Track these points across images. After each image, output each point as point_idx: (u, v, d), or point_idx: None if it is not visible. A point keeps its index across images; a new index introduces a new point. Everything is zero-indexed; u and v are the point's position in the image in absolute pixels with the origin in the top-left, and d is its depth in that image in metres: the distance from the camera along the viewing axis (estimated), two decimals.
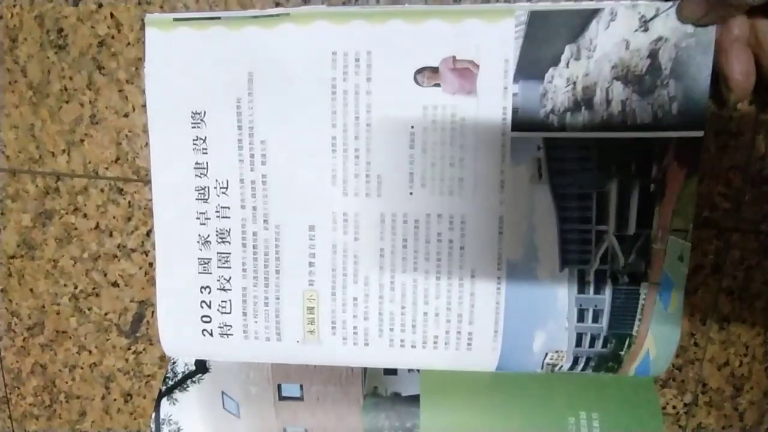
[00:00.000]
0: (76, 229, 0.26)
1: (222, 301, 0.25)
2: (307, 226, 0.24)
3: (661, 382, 0.25)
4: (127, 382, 0.28)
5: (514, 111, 0.23)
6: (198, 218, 0.25)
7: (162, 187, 0.25)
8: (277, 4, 0.24)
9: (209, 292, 0.25)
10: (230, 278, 0.25)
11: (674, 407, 0.25)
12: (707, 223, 0.24)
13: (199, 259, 0.25)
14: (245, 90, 0.24)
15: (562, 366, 0.24)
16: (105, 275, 0.27)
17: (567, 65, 0.22)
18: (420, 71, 0.23)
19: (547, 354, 0.24)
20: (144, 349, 0.27)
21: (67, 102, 0.25)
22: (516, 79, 0.22)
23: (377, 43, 0.23)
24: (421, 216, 0.23)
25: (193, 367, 0.26)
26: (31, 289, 0.27)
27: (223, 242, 0.25)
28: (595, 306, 0.23)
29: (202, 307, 0.25)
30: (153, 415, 0.25)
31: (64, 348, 0.27)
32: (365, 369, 0.25)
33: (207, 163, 0.24)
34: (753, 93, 0.20)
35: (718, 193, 0.23)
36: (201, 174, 0.24)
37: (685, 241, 0.23)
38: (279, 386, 0.25)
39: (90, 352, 0.27)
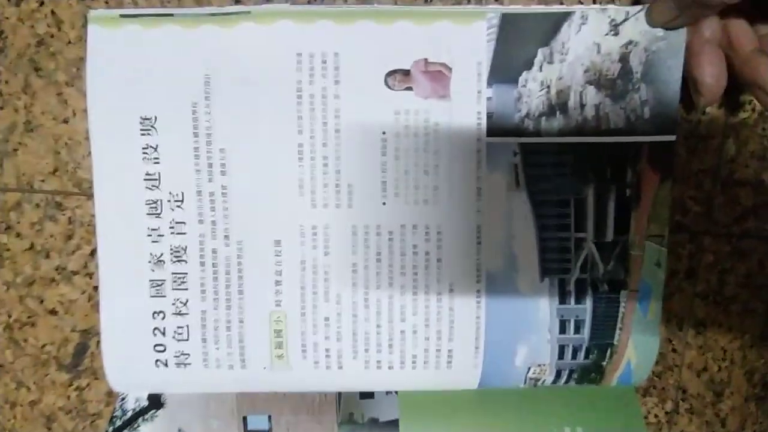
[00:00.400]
0: (8, 250, 0.23)
1: (178, 327, 0.22)
2: (272, 241, 0.22)
3: (642, 391, 0.24)
4: (71, 422, 0.24)
5: (489, 116, 0.22)
6: (150, 235, 0.22)
7: (106, 201, 0.22)
8: (237, 2, 0.22)
9: (163, 318, 0.22)
10: (187, 301, 0.22)
11: (656, 416, 0.24)
12: (680, 228, 0.24)
13: (151, 281, 0.22)
14: (201, 93, 0.22)
15: (545, 380, 0.23)
16: (41, 302, 0.24)
17: (540, 69, 0.22)
18: (391, 74, 0.22)
19: (530, 368, 0.23)
20: (88, 385, 0.24)
21: (1, 108, 0.22)
22: (490, 83, 0.22)
23: (345, 44, 0.22)
24: (396, 227, 0.22)
25: (146, 403, 0.23)
26: None
27: (179, 261, 0.22)
28: (577, 316, 0.23)
29: (155, 334, 0.22)
30: None
31: (3, 383, 0.24)
32: (339, 394, 0.24)
33: (159, 173, 0.22)
34: (723, 95, 0.20)
35: (689, 197, 0.23)
36: (152, 186, 0.22)
37: (661, 247, 0.22)
38: (245, 419, 0.23)
39: (28, 388, 0.24)
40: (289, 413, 0.23)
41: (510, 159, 0.22)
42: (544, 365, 0.23)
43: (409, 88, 0.22)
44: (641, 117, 0.22)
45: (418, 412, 0.23)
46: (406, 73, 0.22)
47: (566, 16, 0.21)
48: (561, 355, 0.23)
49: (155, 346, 0.22)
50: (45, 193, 0.23)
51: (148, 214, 0.22)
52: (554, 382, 0.23)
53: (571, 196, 0.22)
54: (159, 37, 0.22)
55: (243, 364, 0.23)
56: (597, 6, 0.22)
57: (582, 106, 0.22)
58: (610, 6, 0.21)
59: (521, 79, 0.22)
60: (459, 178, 0.22)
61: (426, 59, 0.22)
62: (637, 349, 0.23)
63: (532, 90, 0.22)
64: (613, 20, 0.21)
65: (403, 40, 0.21)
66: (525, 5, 0.22)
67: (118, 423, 0.23)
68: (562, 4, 0.22)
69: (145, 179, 0.22)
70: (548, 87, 0.22)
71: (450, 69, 0.22)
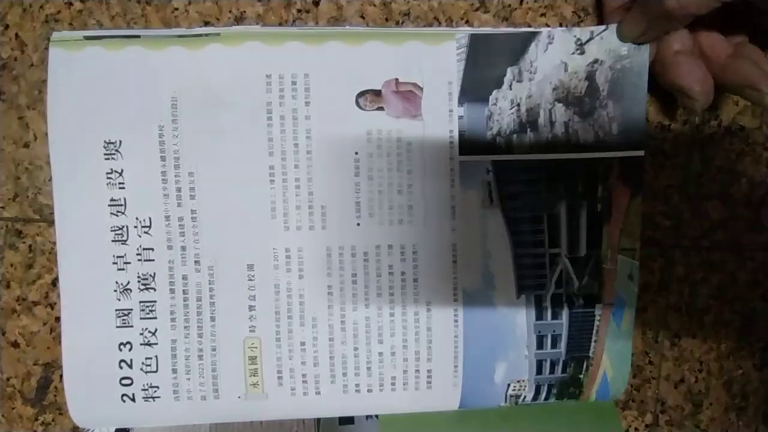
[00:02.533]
0: None
1: (146, 359, 0.22)
2: (245, 266, 0.22)
3: (622, 404, 0.24)
4: None
5: (461, 134, 0.22)
6: (115, 263, 0.21)
7: (68, 228, 0.21)
8: (206, 24, 0.22)
9: (130, 349, 0.21)
10: (156, 330, 0.22)
11: (636, 429, 0.25)
12: (650, 242, 0.24)
13: (117, 310, 0.21)
14: (168, 116, 0.21)
15: (525, 396, 0.23)
16: (3, 334, 0.22)
17: (510, 87, 0.22)
18: (362, 94, 0.22)
19: (509, 385, 0.23)
20: (53, 420, 0.23)
21: None
22: (461, 102, 0.22)
23: (315, 65, 0.21)
24: (371, 248, 0.22)
25: None
26: None
27: (147, 289, 0.21)
28: (553, 331, 0.23)
29: (121, 367, 0.21)
30: None
31: None
32: (318, 420, 0.23)
33: (124, 199, 0.21)
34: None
35: (658, 212, 0.24)
36: (117, 212, 0.21)
37: (633, 260, 0.23)
38: None
39: None
40: None
41: (483, 177, 0.22)
42: (523, 381, 0.23)
43: (381, 108, 0.22)
44: (610, 133, 0.22)
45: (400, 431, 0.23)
46: (377, 93, 0.22)
47: (533, 36, 0.22)
48: (539, 370, 0.23)
49: (121, 379, 0.21)
50: (4, 220, 0.22)
51: (113, 240, 0.21)
52: (534, 398, 0.23)
53: (544, 212, 0.22)
54: (124, 59, 0.21)
55: (216, 395, 0.22)
56: (563, 27, 0.22)
57: (552, 123, 0.22)
58: (575, 28, 0.22)
59: (492, 98, 0.22)
60: (433, 197, 0.22)
61: (397, 79, 0.22)
62: (612, 360, 0.23)
63: (503, 108, 0.22)
64: (578, 39, 0.21)
65: (373, 60, 0.21)
66: (494, 27, 0.23)
67: None
68: (529, 26, 0.23)
69: (109, 205, 0.21)
70: (518, 105, 0.22)
71: (421, 88, 0.22)
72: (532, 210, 0.22)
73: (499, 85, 0.22)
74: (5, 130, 0.22)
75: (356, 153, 0.22)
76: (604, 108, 0.22)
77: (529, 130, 0.22)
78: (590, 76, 0.22)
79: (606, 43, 0.21)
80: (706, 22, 0.20)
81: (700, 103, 0.20)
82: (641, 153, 0.22)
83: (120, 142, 0.21)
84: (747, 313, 0.24)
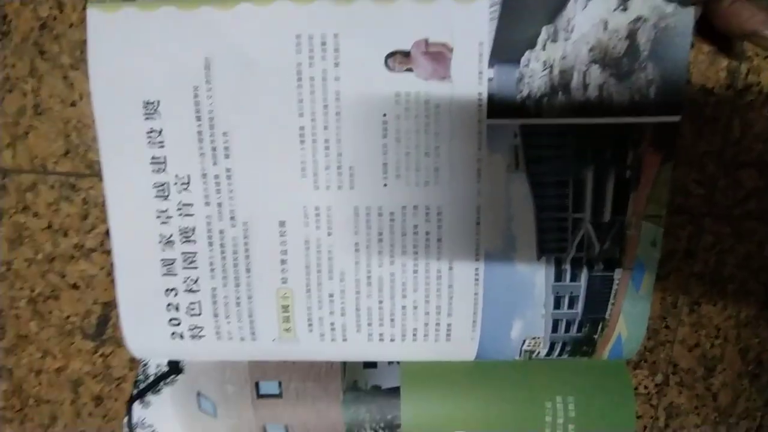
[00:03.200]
0: (27, 229, 0.24)
1: (191, 303, 0.24)
2: (277, 222, 0.23)
3: (633, 364, 0.26)
4: (97, 385, 0.26)
5: (490, 97, 0.22)
6: (159, 217, 0.23)
7: (115, 184, 0.23)
8: None
9: (176, 295, 0.24)
10: (198, 279, 0.24)
11: (645, 387, 0.26)
12: (680, 210, 0.24)
13: (162, 260, 0.23)
14: (202, 77, 0.22)
15: (539, 352, 0.24)
16: (63, 277, 0.25)
17: (544, 47, 0.21)
18: (391, 55, 0.22)
19: (524, 341, 0.24)
20: (112, 352, 0.26)
21: (10, 91, 0.23)
22: (491, 63, 0.21)
23: (344, 25, 0.21)
24: (397, 208, 0.23)
25: (166, 368, 0.25)
26: None
27: (188, 242, 0.23)
28: (571, 293, 0.23)
29: (168, 310, 0.24)
30: (125, 419, 0.24)
31: (28, 353, 0.26)
32: (344, 363, 0.25)
33: (165, 157, 0.22)
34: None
35: (692, 180, 0.24)
36: (159, 169, 0.23)
37: (658, 227, 0.23)
38: (257, 384, 0.25)
39: (54, 356, 0.26)
40: (297, 380, 0.25)
41: (510, 141, 0.22)
42: (538, 338, 0.24)
43: (410, 70, 0.22)
44: (646, 97, 0.21)
45: (418, 381, 0.25)
46: (407, 54, 0.22)
47: None
48: (555, 329, 0.24)
49: (170, 320, 0.24)
50: (59, 175, 0.24)
51: (156, 196, 0.23)
52: (548, 354, 0.24)
53: (570, 177, 0.22)
54: (157, 19, 0.21)
55: (253, 337, 0.24)
56: None
57: (585, 86, 0.21)
58: None
59: (523, 59, 0.21)
60: (459, 159, 0.22)
61: (426, 40, 0.21)
62: (628, 323, 0.24)
63: (535, 70, 0.21)
64: None
65: (403, 19, 0.21)
66: None
67: (142, 386, 0.25)
68: None
69: (151, 163, 0.23)
70: (551, 66, 0.21)
71: (451, 49, 0.21)
72: (557, 175, 0.22)
73: (532, 45, 0.21)
74: (51, 89, 0.23)
75: (384, 115, 0.22)
76: (643, 70, 0.21)
77: (560, 93, 0.22)
78: (632, 35, 0.21)
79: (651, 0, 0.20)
80: None
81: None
82: (677, 118, 0.21)
83: (158, 102, 0.22)
84: None
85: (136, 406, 0.24)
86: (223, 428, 0.24)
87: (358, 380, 0.25)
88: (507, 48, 0.21)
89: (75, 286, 0.25)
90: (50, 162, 0.24)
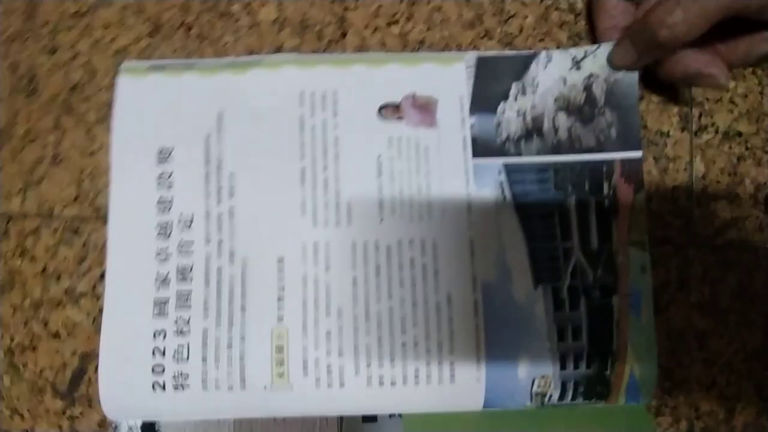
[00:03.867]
0: (20, 273, 0.24)
1: (179, 347, 0.23)
2: (275, 259, 0.23)
3: (655, 410, 0.24)
4: None
5: (473, 140, 0.24)
6: (159, 254, 0.23)
7: (120, 223, 0.23)
8: (250, 53, 0.26)
9: (164, 338, 0.23)
10: (189, 319, 0.23)
11: None
12: (664, 241, 0.25)
13: (155, 299, 0.23)
14: (215, 127, 0.24)
15: (551, 395, 0.23)
16: (45, 325, 0.24)
17: (515, 99, 0.25)
18: (383, 107, 0.25)
19: (534, 381, 0.23)
20: (81, 413, 0.23)
21: (31, 141, 0.25)
22: (472, 112, 0.24)
23: (342, 83, 0.25)
24: (393, 242, 0.23)
25: (138, 431, 0.22)
26: None
27: (184, 280, 0.23)
28: (573, 323, 0.23)
29: (154, 355, 0.22)
30: None
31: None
32: (341, 419, 0.23)
33: (172, 198, 0.24)
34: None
35: (668, 211, 0.25)
36: (164, 209, 0.24)
37: (644, 252, 0.24)
38: None
39: (23, 416, 0.23)
40: None
41: (496, 177, 0.24)
42: (547, 376, 0.23)
43: (400, 118, 0.25)
44: (609, 137, 0.24)
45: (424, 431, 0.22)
46: (397, 106, 0.25)
47: (533, 56, 0.25)
48: (563, 365, 0.23)
49: (154, 367, 0.22)
50: (63, 219, 0.24)
51: (158, 235, 0.23)
52: (561, 398, 0.23)
53: (555, 209, 0.24)
54: (181, 83, 0.25)
55: (243, 384, 0.22)
56: (560, 49, 0.25)
57: (555, 129, 0.24)
58: (571, 48, 0.25)
59: (499, 109, 0.25)
60: (450, 195, 0.24)
61: (414, 94, 0.25)
62: (637, 355, 0.23)
63: (510, 117, 0.25)
64: (574, 57, 0.25)
65: (393, 79, 0.25)
66: (498, 51, 0.26)
67: None
68: (530, 49, 0.26)
69: (157, 204, 0.24)
70: (524, 114, 0.25)
71: (436, 101, 0.25)
72: (543, 207, 0.24)
73: (505, 98, 0.25)
74: (73, 141, 0.25)
75: (379, 156, 0.24)
76: (602, 115, 0.24)
77: (535, 135, 0.24)
78: (587, 88, 0.25)
79: (599, 60, 0.24)
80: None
81: (723, 78, 0.22)
82: (639, 154, 0.24)
83: (172, 149, 0.24)
84: None
85: None
86: None
87: None
88: (484, 100, 0.25)
89: (56, 335, 0.24)
90: (58, 206, 0.24)
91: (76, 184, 0.25)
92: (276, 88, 0.25)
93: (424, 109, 0.25)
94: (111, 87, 0.25)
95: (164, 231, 0.23)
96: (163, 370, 0.22)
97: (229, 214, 0.24)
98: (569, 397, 0.23)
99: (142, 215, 0.23)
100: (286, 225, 0.24)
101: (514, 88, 0.25)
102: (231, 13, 0.26)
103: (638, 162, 0.24)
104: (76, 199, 0.25)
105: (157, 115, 0.24)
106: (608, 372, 0.23)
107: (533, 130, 0.24)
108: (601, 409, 0.23)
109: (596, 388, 0.23)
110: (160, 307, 0.23)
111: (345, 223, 0.24)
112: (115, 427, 0.22)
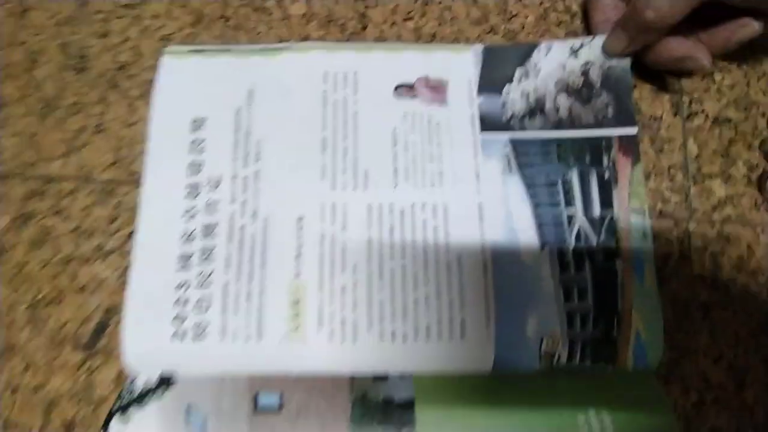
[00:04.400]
0: (53, 231, 0.25)
1: (200, 298, 0.24)
2: (295, 218, 0.25)
3: (663, 379, 0.24)
4: (72, 408, 0.23)
5: (481, 117, 0.26)
6: (187, 212, 0.25)
7: (153, 183, 0.25)
8: (281, 41, 0.29)
9: (187, 289, 0.24)
10: (211, 273, 0.24)
11: (683, 407, 0.24)
12: (663, 214, 0.26)
13: (180, 254, 0.24)
14: (245, 101, 0.27)
15: (559, 355, 0.23)
16: (73, 279, 0.25)
17: (519, 82, 0.27)
18: (399, 87, 0.27)
19: (542, 339, 0.23)
20: (99, 366, 0.24)
21: (76, 113, 0.27)
22: (480, 93, 0.27)
23: (363, 66, 0.27)
24: (406, 206, 0.25)
25: (156, 383, 0.23)
26: None
27: (209, 236, 0.25)
28: (579, 284, 0.24)
29: (177, 305, 0.23)
30: None
31: (10, 366, 0.23)
32: (352, 378, 0.23)
33: (202, 161, 0.26)
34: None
35: (666, 188, 0.27)
36: (194, 172, 0.25)
37: (645, 219, 0.25)
38: (255, 396, 0.22)
39: (36, 370, 0.24)
40: (300, 392, 0.23)
41: (502, 149, 0.26)
42: (556, 335, 0.23)
43: (414, 97, 0.27)
44: (606, 116, 0.26)
45: (435, 393, 0.23)
46: (411, 86, 0.27)
47: (534, 46, 0.28)
48: (570, 324, 0.24)
49: (175, 317, 0.23)
50: (101, 182, 0.26)
51: (187, 195, 0.25)
52: (569, 359, 0.23)
53: (558, 178, 0.26)
54: (217, 64, 0.28)
55: (259, 336, 0.23)
56: (558, 40, 0.28)
57: (557, 108, 0.27)
58: (569, 39, 0.28)
59: (505, 90, 0.27)
60: (459, 165, 0.26)
61: (427, 76, 0.27)
62: (643, 317, 0.24)
63: (515, 98, 0.27)
64: (572, 47, 0.27)
65: (408, 63, 0.27)
66: (503, 43, 0.29)
67: (126, 401, 0.22)
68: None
69: (189, 166, 0.26)
70: (527, 95, 0.27)
71: (447, 82, 0.27)
72: (547, 176, 0.26)
73: (510, 81, 0.27)
74: (115, 113, 0.27)
75: (394, 129, 0.26)
76: (599, 96, 0.27)
77: (538, 113, 0.27)
78: (585, 73, 0.27)
79: (594, 49, 0.27)
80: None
81: (706, 60, 0.24)
82: (635, 130, 0.26)
83: (206, 118, 0.26)
84: None
85: (115, 421, 0.22)
86: None
87: (367, 392, 0.23)
88: (491, 83, 0.27)
89: (82, 289, 0.25)
90: (96, 170, 0.26)
91: (115, 151, 0.27)
92: (303, 68, 0.27)
93: (436, 89, 0.27)
94: (154, 67, 0.28)
95: (193, 191, 0.25)
96: (184, 320, 0.23)
97: (255, 177, 0.25)
98: (577, 358, 0.23)
99: (174, 176, 0.25)
100: (306, 187, 0.25)
101: (518, 72, 0.27)
102: (265, 8, 0.29)
103: (634, 137, 0.26)
104: (113, 164, 0.27)
105: (194, 89, 0.27)
106: (615, 333, 0.24)
107: (536, 108, 0.27)
108: (609, 379, 0.23)
109: (604, 349, 0.24)
110: (185, 261, 0.24)
111: (362, 187, 0.25)
112: (132, 380, 0.23)
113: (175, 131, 0.26)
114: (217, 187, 0.25)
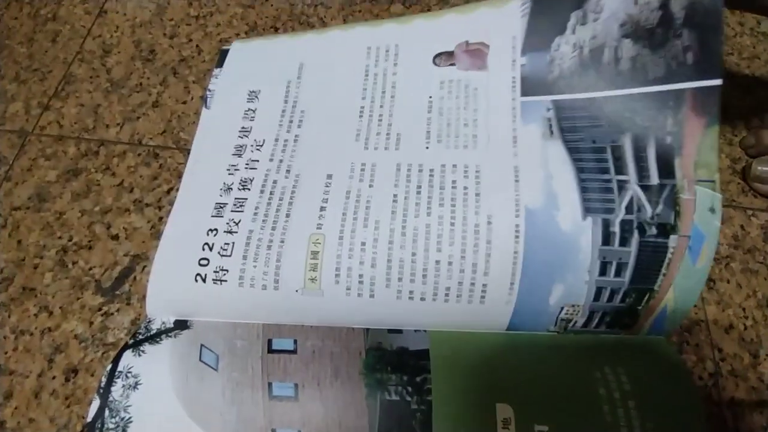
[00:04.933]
0: (98, 185, 0.28)
1: (225, 244, 0.24)
2: (325, 175, 0.25)
3: (677, 347, 0.21)
4: (79, 353, 0.24)
5: (523, 80, 0.25)
6: (229, 168, 0.26)
7: (204, 143, 0.27)
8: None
9: (215, 235, 0.25)
10: (240, 221, 0.25)
11: (701, 378, 0.20)
12: None
13: (216, 203, 0.26)
14: (296, 74, 0.28)
15: (576, 321, 0.20)
16: (108, 228, 0.27)
17: (573, 31, 0.25)
18: (438, 55, 0.27)
19: (563, 308, 0.21)
20: (118, 310, 0.25)
21: (138, 92, 0.31)
22: (524, 52, 0.25)
23: (404, 38, 0.28)
24: (437, 166, 0.24)
25: (171, 325, 0.24)
26: (19, 241, 0.26)
27: (244, 189, 0.26)
28: (620, 259, 0.21)
29: (203, 249, 0.24)
30: (109, 367, 0.22)
31: (23, 308, 0.25)
32: (367, 329, 0.23)
33: (251, 127, 0.27)
34: None
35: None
36: (243, 135, 0.27)
37: (715, 192, 0.21)
38: (269, 340, 0.22)
39: (51, 313, 0.25)
40: (315, 338, 0.22)
41: (543, 113, 0.24)
42: (578, 306, 0.21)
43: (453, 64, 0.26)
44: (684, 64, 0.22)
45: (449, 345, 0.21)
46: (450, 53, 0.27)
47: None
48: (597, 297, 0.21)
49: (200, 260, 0.24)
50: (148, 146, 0.29)
51: (233, 154, 0.27)
52: (585, 324, 0.20)
53: (608, 143, 0.23)
54: (274, 45, 0.30)
55: (276, 286, 0.23)
56: None
57: (617, 60, 0.23)
58: None
59: (554, 45, 0.25)
60: (495, 129, 0.24)
61: (467, 41, 0.27)
62: (677, 295, 0.20)
63: (565, 53, 0.25)
64: None
65: (448, 29, 0.27)
66: None
67: (140, 338, 0.23)
68: None
69: (240, 130, 0.27)
70: (581, 47, 0.24)
71: (488, 46, 0.26)
72: (593, 141, 0.23)
73: (561, 31, 0.25)
74: (172, 93, 0.31)
75: (430, 97, 0.26)
76: (678, 37, 0.22)
77: (592, 69, 0.24)
78: (664, 5, 0.22)
79: None
80: None
81: None
82: (719, 81, 0.21)
83: (259, 90, 0.28)
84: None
85: (127, 355, 0.23)
86: (221, 381, 0.21)
87: (382, 342, 0.22)
88: (538, 37, 0.25)
89: (115, 237, 0.26)
90: (147, 137, 0.29)
91: (166, 122, 0.30)
92: (348, 43, 0.28)
93: (476, 54, 0.26)
94: (212, 60, 0.31)
95: (239, 151, 0.27)
96: (208, 263, 0.24)
97: (294, 140, 0.26)
98: (593, 324, 0.20)
99: (225, 138, 0.27)
100: (340, 149, 0.26)
101: (573, 18, 0.25)
102: (309, 22, 0.32)
103: (715, 91, 0.21)
104: (162, 132, 0.29)
105: (252, 66, 0.29)
106: (640, 307, 0.20)
107: (591, 63, 0.24)
108: (621, 340, 0.20)
109: (623, 319, 0.20)
110: (219, 209, 0.25)
111: (393, 148, 0.25)
112: (149, 321, 0.23)
113: (232, 100, 0.28)
114: (260, 147, 0.26)
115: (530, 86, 0.25)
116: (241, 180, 0.26)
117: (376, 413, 0.19)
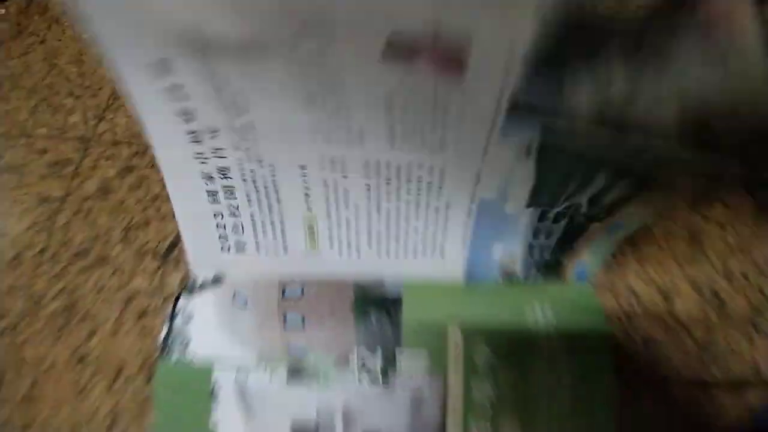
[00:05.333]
0: (148, 178, 0.35)
1: (234, 224, 0.29)
2: (298, 166, 0.26)
3: (596, 291, 0.31)
4: (146, 301, 0.34)
5: (512, 95, 0.22)
6: (197, 158, 0.27)
7: (156, 134, 0.26)
8: None
9: (222, 218, 0.29)
10: (238, 206, 0.29)
11: (619, 319, 0.32)
12: None
13: (207, 190, 0.28)
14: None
15: (515, 270, 0.30)
16: (158, 210, 0.33)
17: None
18: (388, 48, 0.21)
19: (504, 262, 0.30)
20: (170, 271, 0.34)
21: None
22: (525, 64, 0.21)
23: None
24: (403, 163, 0.26)
25: (210, 281, 0.32)
26: (92, 223, 0.34)
27: (225, 177, 0.27)
28: (550, 230, 0.28)
29: (218, 228, 0.30)
30: (170, 308, 0.32)
31: (100, 272, 0.34)
32: (356, 282, 0.31)
33: (195, 110, 0.25)
34: None
35: None
36: (188, 119, 0.25)
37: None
38: (283, 289, 0.32)
39: (122, 274, 0.34)
40: (317, 287, 0.32)
41: (526, 135, 0.23)
42: (515, 258, 0.30)
43: (413, 64, 0.22)
44: None
45: (418, 291, 0.31)
46: (409, 49, 0.21)
47: None
48: (531, 254, 0.29)
49: (219, 237, 0.30)
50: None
51: (191, 141, 0.26)
52: (525, 276, 0.30)
53: (579, 173, 0.24)
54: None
55: (285, 251, 0.30)
56: None
57: None
58: None
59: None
60: (465, 142, 0.24)
61: (436, 31, 0.21)
62: (593, 253, 0.29)
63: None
64: None
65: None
66: None
67: (190, 288, 0.32)
68: None
69: (180, 114, 0.25)
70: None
71: (468, 42, 0.21)
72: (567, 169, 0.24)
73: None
74: None
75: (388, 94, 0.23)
76: None
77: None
78: None
79: None
80: None
81: None
82: None
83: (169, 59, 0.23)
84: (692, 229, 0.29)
85: (183, 298, 0.32)
86: (250, 316, 0.31)
87: (367, 290, 0.31)
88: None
89: (164, 218, 0.33)
90: None
91: None
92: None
93: (448, 55, 0.21)
94: None
95: (195, 138, 0.26)
96: (227, 239, 0.30)
97: (250, 127, 0.25)
98: (530, 274, 0.31)
99: (172, 124, 0.25)
100: (301, 140, 0.25)
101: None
102: None
103: None
104: None
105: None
106: (564, 260, 0.29)
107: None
108: (553, 286, 0.31)
109: (552, 271, 0.30)
110: (213, 196, 0.28)
111: (357, 143, 0.25)
112: (195, 278, 0.31)
113: (142, 77, 0.24)
114: (216, 134, 0.26)
115: (522, 104, 0.23)
116: (217, 169, 0.28)
117: (361, 334, 0.32)
